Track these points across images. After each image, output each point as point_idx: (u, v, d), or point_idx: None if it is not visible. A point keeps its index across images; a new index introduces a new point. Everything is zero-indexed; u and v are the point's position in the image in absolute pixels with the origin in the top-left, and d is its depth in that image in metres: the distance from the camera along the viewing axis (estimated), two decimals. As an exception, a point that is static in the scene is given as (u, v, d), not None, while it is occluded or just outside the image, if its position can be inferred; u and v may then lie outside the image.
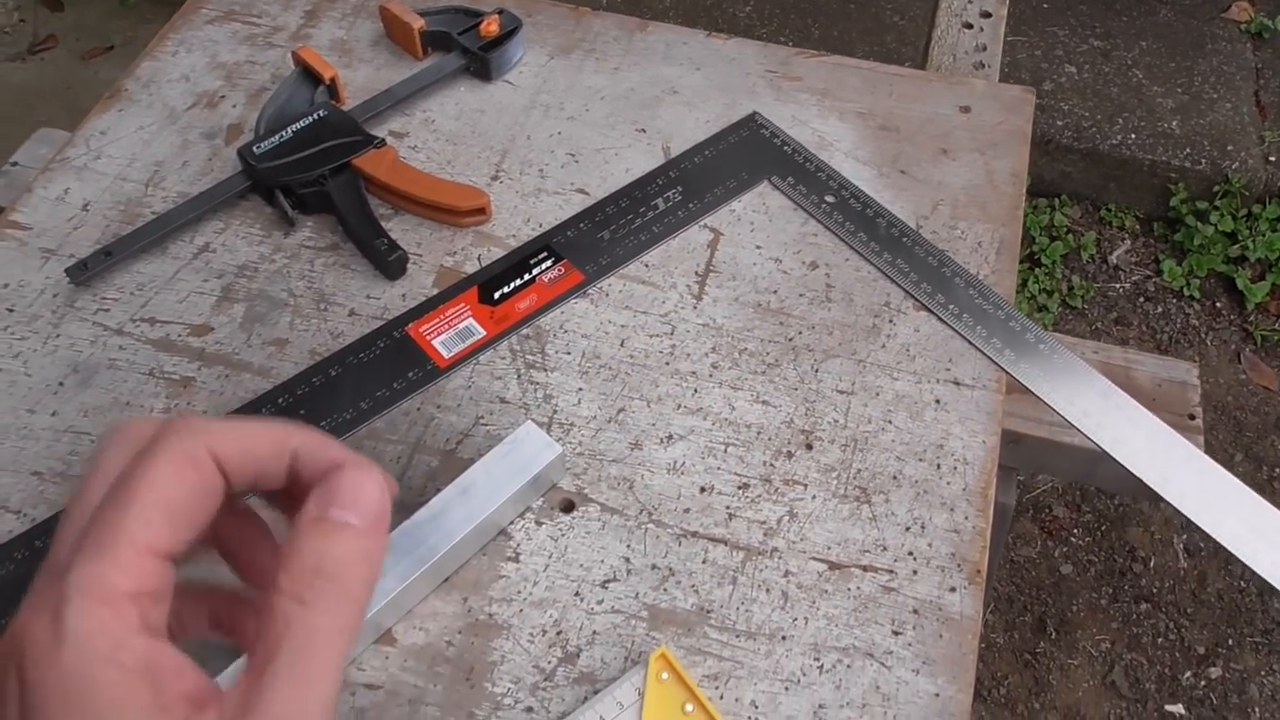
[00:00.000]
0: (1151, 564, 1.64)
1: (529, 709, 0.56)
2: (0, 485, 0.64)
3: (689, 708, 0.55)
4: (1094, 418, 0.68)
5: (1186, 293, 1.87)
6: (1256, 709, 1.49)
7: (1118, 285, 1.90)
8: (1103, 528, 1.66)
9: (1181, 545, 1.65)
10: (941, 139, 0.82)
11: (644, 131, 0.83)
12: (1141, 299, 1.88)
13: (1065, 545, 1.64)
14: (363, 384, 0.68)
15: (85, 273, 0.72)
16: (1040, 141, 1.92)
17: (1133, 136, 1.89)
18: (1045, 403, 0.69)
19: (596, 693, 0.56)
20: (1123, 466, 0.67)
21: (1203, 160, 1.86)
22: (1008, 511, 0.88)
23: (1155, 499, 0.70)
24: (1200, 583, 1.62)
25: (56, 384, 0.68)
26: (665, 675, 0.56)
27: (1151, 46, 2.04)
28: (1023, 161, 0.81)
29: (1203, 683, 1.52)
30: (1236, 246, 1.86)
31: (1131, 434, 0.67)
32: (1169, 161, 1.87)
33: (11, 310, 0.72)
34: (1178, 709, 1.50)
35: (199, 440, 0.36)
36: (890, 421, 0.67)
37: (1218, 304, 1.87)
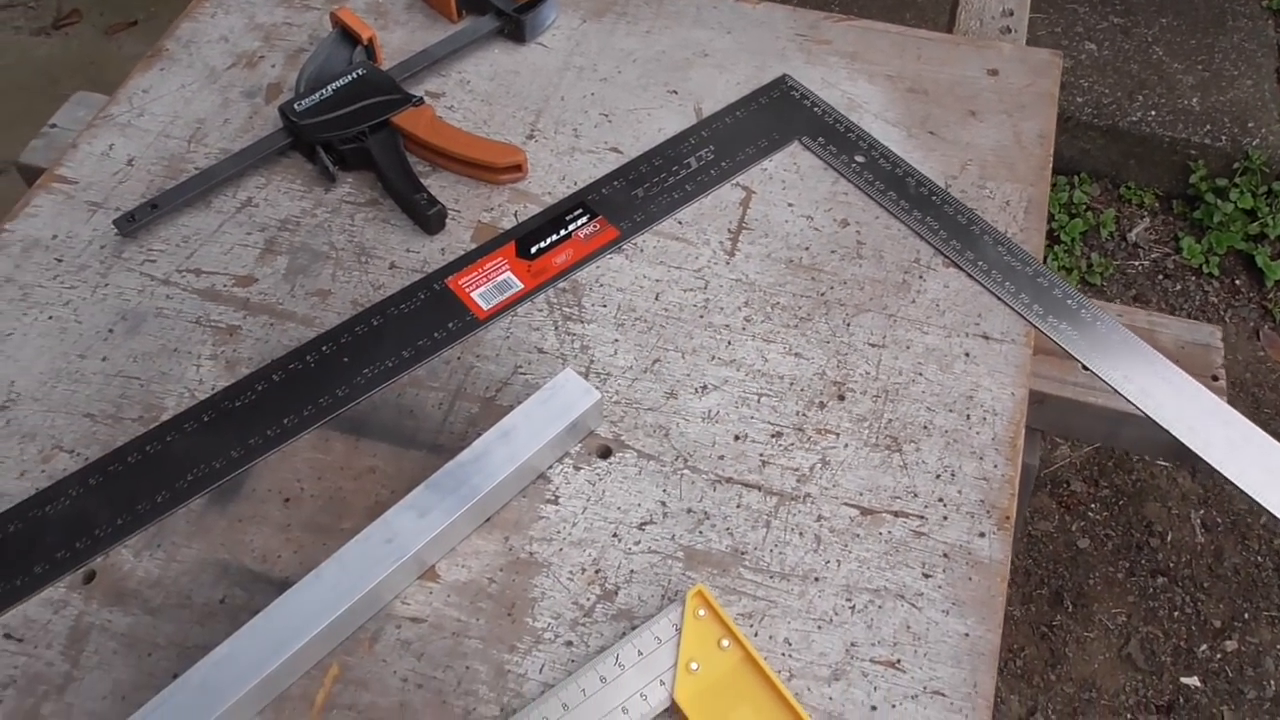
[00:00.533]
0: (1168, 539, 1.65)
1: (569, 643, 0.58)
2: (54, 426, 0.66)
3: (725, 643, 0.57)
4: (1121, 370, 0.69)
5: (1205, 270, 1.87)
6: (1272, 682, 1.50)
7: (1137, 263, 1.90)
8: (1120, 503, 1.67)
9: (1199, 520, 1.66)
10: (969, 101, 0.83)
11: (675, 93, 0.84)
12: (1160, 276, 1.88)
13: (1083, 520, 1.65)
14: (404, 333, 0.69)
15: (132, 224, 0.73)
16: (1059, 119, 1.91)
17: (1152, 113, 1.89)
18: (1072, 355, 0.70)
19: (634, 628, 0.58)
20: (1148, 424, 0.68)
21: (1223, 137, 1.86)
22: (1031, 472, 0.89)
23: (1180, 458, 0.70)
24: (1216, 557, 1.62)
25: (106, 331, 0.70)
26: (702, 612, 0.57)
27: (1172, 23, 2.03)
28: (1050, 123, 0.82)
29: (1218, 655, 1.53)
30: (1256, 224, 1.86)
31: (1158, 386, 0.68)
32: (1189, 138, 1.87)
33: (60, 260, 0.74)
34: (1193, 681, 1.51)
35: None
36: (921, 374, 0.68)
37: (1237, 281, 1.87)
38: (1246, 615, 1.58)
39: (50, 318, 0.71)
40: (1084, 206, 1.96)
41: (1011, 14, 0.92)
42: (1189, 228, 1.95)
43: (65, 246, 0.74)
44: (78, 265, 0.73)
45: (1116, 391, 0.69)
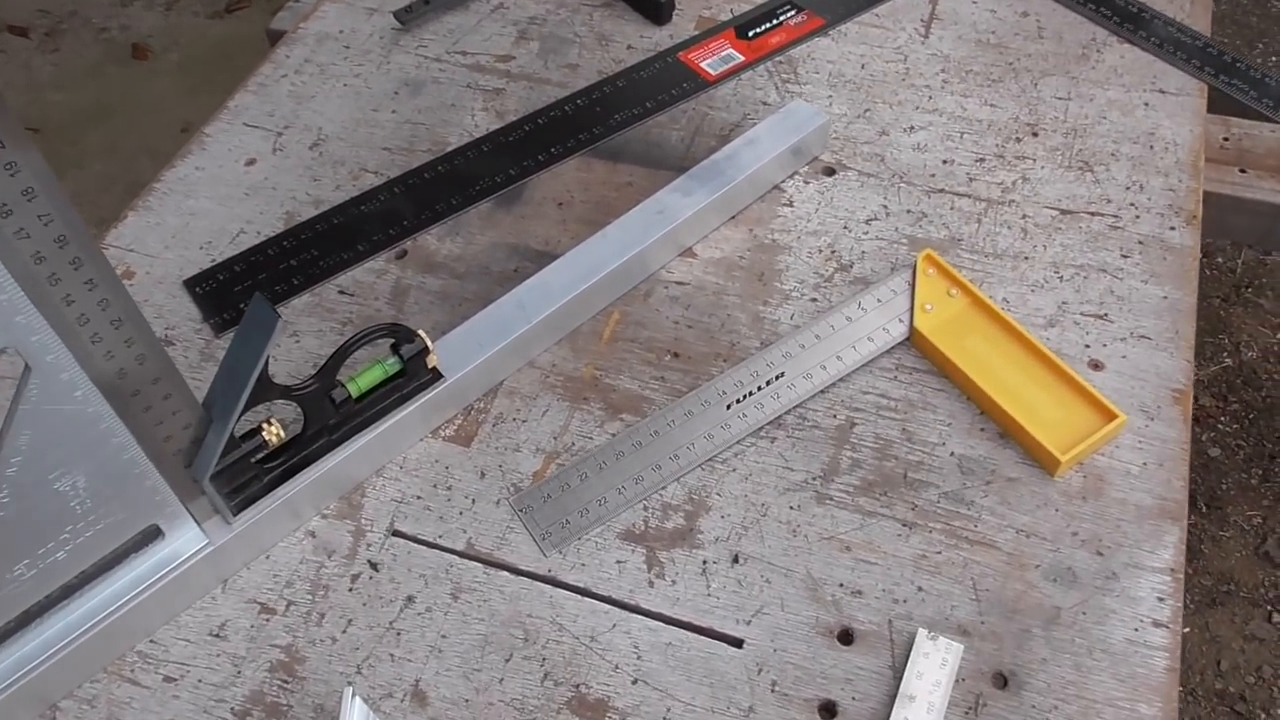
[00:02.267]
0: (1301, 451, 1.66)
1: (813, 300, 0.67)
2: (359, 156, 0.78)
3: (953, 292, 0.65)
4: (1291, 113, 0.77)
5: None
6: None
7: None
8: (1250, 416, 1.69)
9: (1332, 434, 1.67)
10: (1132, -76, 0.92)
11: (861, -73, 0.95)
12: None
13: (1212, 431, 1.68)
14: (645, 90, 0.80)
15: (409, 15, 0.86)
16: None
17: None
18: (1246, 104, 0.78)
19: (869, 288, 0.67)
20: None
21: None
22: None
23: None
24: (1352, 468, 1.63)
25: (392, 93, 0.82)
26: (931, 271, 0.66)
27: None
28: (1209, -61, 0.91)
29: (1358, 557, 1.54)
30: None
31: (1327, 125, 0.76)
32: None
33: (348, 47, 0.87)
34: (1333, 579, 1.52)
35: None
36: (1105, 117, 0.77)
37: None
38: (1387, 519, 1.59)
39: (345, 85, 0.83)
40: None
41: None
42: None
43: (351, 38, 0.87)
44: (363, 50, 0.86)
45: (1287, 130, 0.76)
